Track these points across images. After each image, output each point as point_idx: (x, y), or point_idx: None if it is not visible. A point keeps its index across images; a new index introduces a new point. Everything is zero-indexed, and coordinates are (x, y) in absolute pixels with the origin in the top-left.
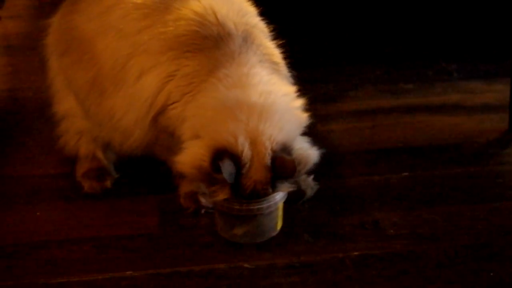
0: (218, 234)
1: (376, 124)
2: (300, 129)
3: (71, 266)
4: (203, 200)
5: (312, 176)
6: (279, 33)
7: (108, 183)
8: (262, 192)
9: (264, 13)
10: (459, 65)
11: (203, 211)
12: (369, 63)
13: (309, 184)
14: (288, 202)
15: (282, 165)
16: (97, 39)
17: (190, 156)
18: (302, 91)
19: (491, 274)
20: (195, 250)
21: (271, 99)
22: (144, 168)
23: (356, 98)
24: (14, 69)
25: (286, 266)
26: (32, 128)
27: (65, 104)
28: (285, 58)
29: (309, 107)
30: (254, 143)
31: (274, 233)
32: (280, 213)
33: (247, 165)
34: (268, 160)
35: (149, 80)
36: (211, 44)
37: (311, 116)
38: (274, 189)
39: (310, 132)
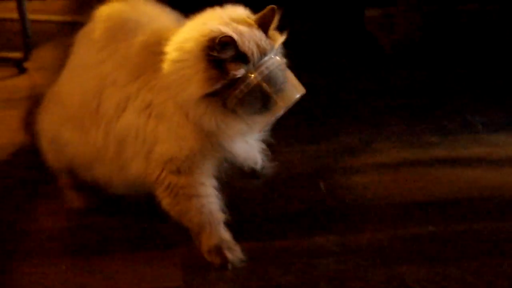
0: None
1: (400, 177)
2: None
3: None
4: (229, 255)
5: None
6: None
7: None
8: (267, 47)
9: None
10: (483, 117)
11: (230, 266)
12: (393, 114)
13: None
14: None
15: (265, 16)
16: (65, 81)
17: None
18: (324, 143)
19: None
20: None
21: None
22: (166, 221)
23: (379, 151)
24: None
25: None
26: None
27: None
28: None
29: (332, 160)
30: (230, 22)
31: (302, 91)
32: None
33: (238, 37)
34: (252, 22)
35: (130, 117)
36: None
37: (334, 169)
38: (274, 42)
39: (333, 184)
